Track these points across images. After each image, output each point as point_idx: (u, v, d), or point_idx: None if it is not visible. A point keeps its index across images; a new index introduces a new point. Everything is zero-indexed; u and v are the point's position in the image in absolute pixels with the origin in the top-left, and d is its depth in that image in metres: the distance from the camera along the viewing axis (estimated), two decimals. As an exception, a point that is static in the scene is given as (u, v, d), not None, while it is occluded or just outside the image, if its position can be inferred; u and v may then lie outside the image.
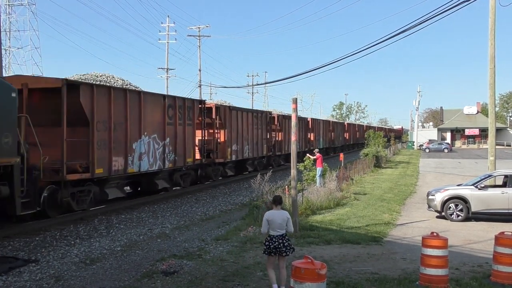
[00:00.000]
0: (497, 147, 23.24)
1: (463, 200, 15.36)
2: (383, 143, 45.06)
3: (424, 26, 30.48)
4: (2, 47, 18.97)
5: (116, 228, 14.15)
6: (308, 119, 45.12)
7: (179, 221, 15.36)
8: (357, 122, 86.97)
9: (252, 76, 76.12)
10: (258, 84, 76.11)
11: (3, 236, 12.41)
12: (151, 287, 8.52)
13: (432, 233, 8.56)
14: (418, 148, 78.31)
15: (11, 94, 11.56)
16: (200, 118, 23.02)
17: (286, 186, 16.05)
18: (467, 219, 15.33)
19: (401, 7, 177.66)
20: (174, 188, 21.59)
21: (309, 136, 44.01)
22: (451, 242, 9.97)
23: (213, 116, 24.75)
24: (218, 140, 25.00)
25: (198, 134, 23.02)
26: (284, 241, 7.86)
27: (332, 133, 53.93)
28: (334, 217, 15.54)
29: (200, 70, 50.64)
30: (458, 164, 42.27)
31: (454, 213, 15.39)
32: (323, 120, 52.50)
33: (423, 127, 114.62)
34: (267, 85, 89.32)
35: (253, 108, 42.06)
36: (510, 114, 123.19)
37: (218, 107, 25.34)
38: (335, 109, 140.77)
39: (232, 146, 26.40)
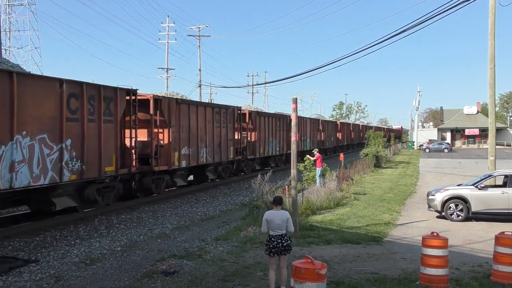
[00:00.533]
0: (497, 147, 23.23)
1: (463, 200, 15.37)
2: (383, 143, 45.05)
3: (424, 26, 30.54)
4: (2, 47, 18.87)
5: (116, 228, 14.15)
6: (292, 116, 40.67)
7: (179, 221, 15.36)
8: (352, 122, 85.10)
9: (252, 76, 76.24)
10: (258, 84, 76.26)
11: (3, 236, 12.41)
12: (151, 287, 8.53)
13: (432, 233, 8.57)
14: (418, 148, 78.31)
15: None
16: (130, 115, 17.45)
17: (286, 186, 16.06)
18: (467, 219, 15.33)
19: (401, 7, 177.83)
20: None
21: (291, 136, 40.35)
22: (451, 242, 9.97)
23: (151, 112, 18.84)
24: (162, 142, 19.55)
25: (128, 135, 17.52)
26: (284, 241, 7.88)
27: (322, 133, 48.71)
28: (334, 217, 15.54)
29: (200, 70, 50.65)
30: (458, 164, 42.26)
31: (454, 213, 15.39)
32: (310, 119, 46.22)
33: (423, 127, 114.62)
34: (267, 85, 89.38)
35: (215, 102, 37.38)
36: (510, 114, 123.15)
37: (158, 99, 19.28)
38: (335, 109, 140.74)
39: (182, 149, 20.81)
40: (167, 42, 52.82)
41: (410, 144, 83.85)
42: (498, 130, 64.04)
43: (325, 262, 7.23)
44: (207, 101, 47.59)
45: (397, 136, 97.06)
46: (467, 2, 16.85)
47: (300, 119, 39.27)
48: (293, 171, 13.22)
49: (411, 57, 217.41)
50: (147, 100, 18.82)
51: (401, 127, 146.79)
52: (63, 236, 13.00)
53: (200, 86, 50.42)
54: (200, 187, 23.63)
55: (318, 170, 21.05)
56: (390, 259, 10.57)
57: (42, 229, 13.53)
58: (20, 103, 12.55)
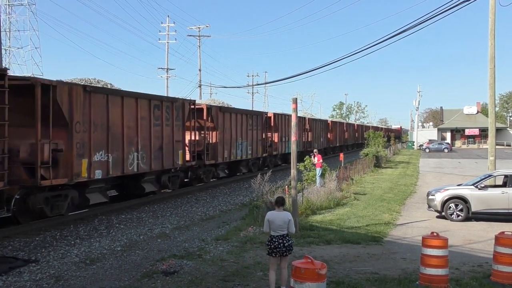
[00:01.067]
0: (497, 147, 23.24)
1: (463, 200, 15.36)
2: (383, 143, 45.04)
3: (424, 26, 30.51)
4: (2, 47, 18.85)
5: (116, 228, 14.15)
6: (269, 115, 33.30)
7: (179, 221, 15.36)
8: (346, 121, 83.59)
9: (252, 76, 76.06)
10: (258, 84, 76.09)
11: (3, 236, 12.41)
12: (151, 287, 8.53)
13: (432, 233, 8.57)
14: (418, 148, 78.34)
15: None
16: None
17: (286, 186, 16.06)
18: (467, 219, 15.33)
19: (401, 7, 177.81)
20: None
21: (271, 137, 32.95)
22: (451, 242, 9.97)
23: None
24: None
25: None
26: (285, 241, 7.88)
27: (309, 133, 42.77)
28: (334, 217, 15.54)
29: (200, 70, 50.60)
30: (458, 164, 42.27)
31: (454, 213, 15.39)
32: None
33: (423, 127, 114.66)
34: (267, 85, 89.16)
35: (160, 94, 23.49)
36: (510, 114, 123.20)
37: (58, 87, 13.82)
38: (335, 109, 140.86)
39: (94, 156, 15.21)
40: (167, 42, 52.83)
41: (410, 144, 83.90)
42: (498, 130, 64.02)
43: (325, 262, 7.23)
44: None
45: (396, 136, 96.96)
46: (467, 2, 16.86)
47: (279, 117, 34.46)
48: (293, 171, 13.22)
49: (411, 57, 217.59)
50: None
51: (400, 127, 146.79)
52: (63, 236, 13.00)
53: (200, 86, 50.42)
54: (200, 187, 23.72)
55: (318, 170, 21.06)
56: (390, 259, 10.58)
57: (42, 229, 13.53)
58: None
